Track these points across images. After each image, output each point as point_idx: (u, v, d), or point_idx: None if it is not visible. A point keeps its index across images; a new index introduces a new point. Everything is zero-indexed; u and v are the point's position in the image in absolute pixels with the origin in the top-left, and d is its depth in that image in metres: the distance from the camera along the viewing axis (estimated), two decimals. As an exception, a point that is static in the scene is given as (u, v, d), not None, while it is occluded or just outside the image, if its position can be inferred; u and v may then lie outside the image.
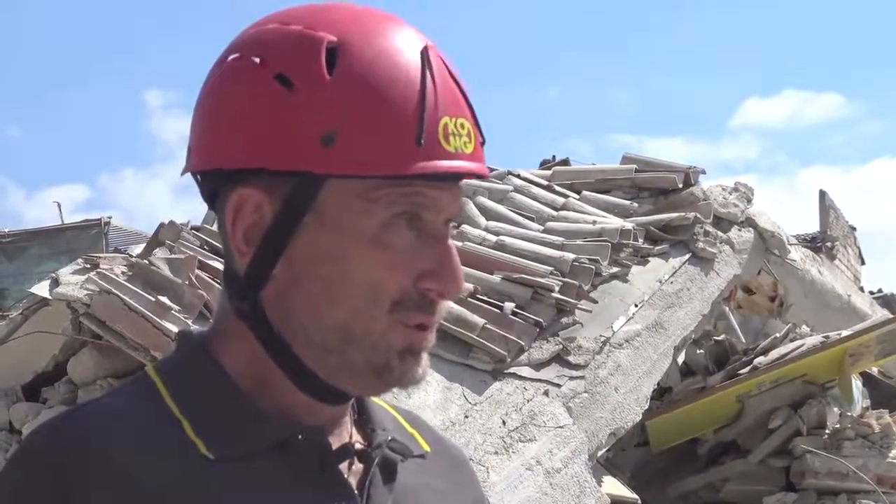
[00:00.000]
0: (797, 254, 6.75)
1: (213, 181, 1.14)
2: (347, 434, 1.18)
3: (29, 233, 15.18)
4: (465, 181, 1.14)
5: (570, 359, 4.63)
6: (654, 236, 5.69)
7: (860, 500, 5.66)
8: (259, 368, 1.13)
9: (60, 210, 15.94)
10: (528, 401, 4.37)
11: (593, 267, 5.05)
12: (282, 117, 1.08)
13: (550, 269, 4.90)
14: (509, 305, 4.64)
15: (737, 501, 5.96)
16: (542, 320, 4.63)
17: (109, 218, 14.81)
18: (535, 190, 6.06)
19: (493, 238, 5.24)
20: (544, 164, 6.98)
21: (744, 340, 6.63)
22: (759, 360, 6.04)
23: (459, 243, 4.94)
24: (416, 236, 1.11)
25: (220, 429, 1.11)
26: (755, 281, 6.58)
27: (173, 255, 4.39)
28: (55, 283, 4.25)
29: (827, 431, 5.82)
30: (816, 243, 7.46)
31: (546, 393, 4.45)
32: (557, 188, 6.15)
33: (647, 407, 4.95)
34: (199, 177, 1.16)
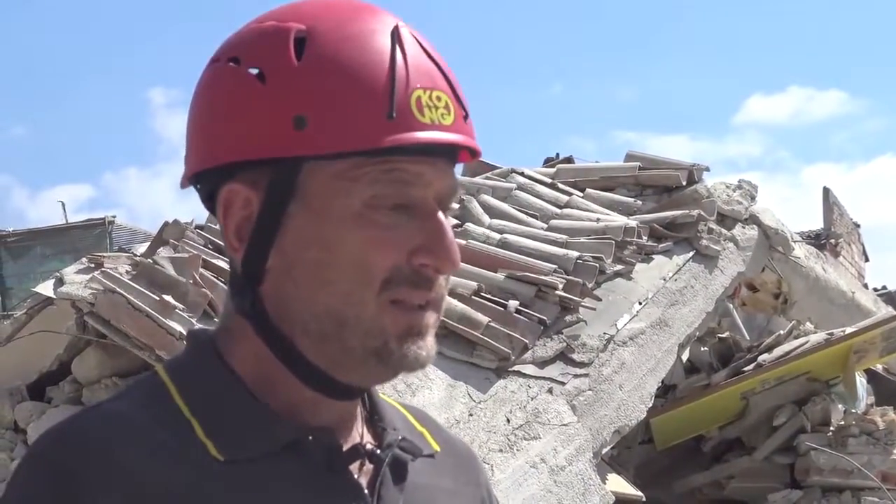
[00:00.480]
0: (801, 251, 6.74)
1: (207, 184, 1.15)
2: (358, 433, 1.17)
3: (33, 232, 15.21)
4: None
5: (575, 356, 4.63)
6: (658, 234, 5.69)
7: (865, 497, 5.65)
8: (265, 367, 1.13)
9: (64, 209, 16.02)
10: (532, 399, 4.36)
11: (597, 265, 5.04)
12: (256, 108, 1.09)
13: (554, 266, 4.90)
14: (513, 303, 4.63)
15: (741, 498, 5.96)
16: (546, 318, 4.62)
17: (113, 217, 14.85)
18: (539, 188, 6.05)
19: (497, 236, 5.24)
20: (548, 162, 6.97)
21: (748, 338, 6.63)
22: (764, 357, 6.03)
23: (463, 241, 4.94)
24: (406, 213, 1.09)
25: (229, 430, 1.11)
26: (759, 278, 6.57)
27: (177, 254, 4.39)
28: (59, 282, 4.25)
29: (831, 428, 5.82)
30: (820, 240, 7.47)
31: (550, 391, 4.44)
32: (561, 186, 6.15)
33: (651, 404, 4.94)
34: (196, 185, 1.16)
